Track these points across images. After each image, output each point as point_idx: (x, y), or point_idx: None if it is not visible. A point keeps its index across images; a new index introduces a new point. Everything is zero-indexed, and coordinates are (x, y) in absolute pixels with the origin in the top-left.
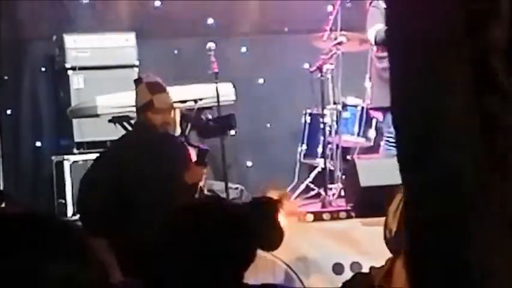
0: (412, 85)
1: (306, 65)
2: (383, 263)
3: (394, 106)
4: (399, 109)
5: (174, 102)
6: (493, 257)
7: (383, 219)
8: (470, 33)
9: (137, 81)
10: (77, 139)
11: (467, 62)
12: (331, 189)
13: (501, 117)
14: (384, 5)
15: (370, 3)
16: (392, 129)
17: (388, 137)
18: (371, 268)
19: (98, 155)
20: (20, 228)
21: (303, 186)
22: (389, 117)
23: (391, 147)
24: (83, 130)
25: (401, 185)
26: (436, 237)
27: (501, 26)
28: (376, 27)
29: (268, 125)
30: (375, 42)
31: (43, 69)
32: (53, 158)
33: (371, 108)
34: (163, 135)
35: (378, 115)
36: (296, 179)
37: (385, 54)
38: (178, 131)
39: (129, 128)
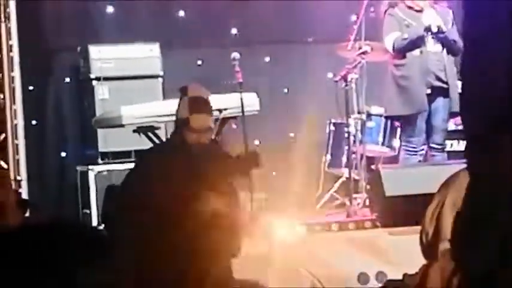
0: None
1: (330, 75)
2: (408, 272)
3: None
4: None
5: None
6: None
7: (408, 228)
8: None
9: (182, 91)
10: (101, 149)
11: None
12: (356, 198)
13: None
14: (400, 13)
15: (386, 11)
16: (410, 138)
17: (407, 146)
18: (404, 275)
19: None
20: (49, 236)
21: (327, 196)
22: (408, 125)
23: (411, 156)
24: (107, 140)
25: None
26: None
27: None
28: (393, 35)
29: (292, 134)
30: (393, 49)
31: (68, 79)
32: (78, 168)
33: (387, 117)
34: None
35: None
36: (321, 189)
37: (403, 61)
38: None
39: (154, 138)
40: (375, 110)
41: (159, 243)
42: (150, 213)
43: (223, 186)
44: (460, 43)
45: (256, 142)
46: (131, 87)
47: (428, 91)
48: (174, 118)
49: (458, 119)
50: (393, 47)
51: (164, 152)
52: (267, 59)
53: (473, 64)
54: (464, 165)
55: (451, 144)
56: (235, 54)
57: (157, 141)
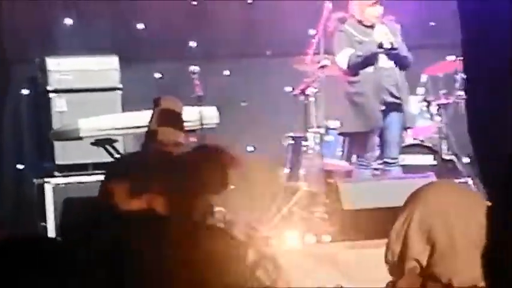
0: None
1: (289, 88)
2: (367, 286)
3: None
4: None
5: None
6: None
7: (366, 242)
8: None
9: (155, 102)
10: (59, 162)
11: None
12: (314, 212)
13: None
14: (350, 29)
15: (336, 28)
16: (364, 153)
17: (362, 160)
18: None
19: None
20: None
21: (285, 209)
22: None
23: (365, 170)
24: (65, 153)
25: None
26: None
27: None
28: (347, 52)
29: (251, 148)
30: (348, 66)
31: (25, 91)
32: (35, 180)
33: (341, 134)
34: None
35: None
36: (279, 202)
37: (356, 78)
38: None
39: (112, 151)
40: (334, 124)
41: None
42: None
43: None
44: (410, 58)
45: None
46: (89, 99)
47: (383, 107)
48: (132, 131)
49: (413, 132)
50: (348, 64)
51: (129, 164)
52: (226, 72)
53: None
54: (423, 179)
55: (404, 159)
56: (194, 68)
57: (115, 154)
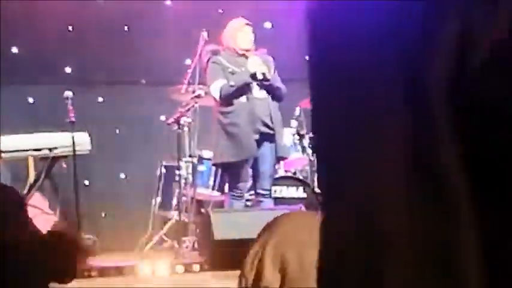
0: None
1: (163, 117)
2: None
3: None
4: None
5: (28, 150)
6: None
7: (236, 272)
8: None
9: None
10: None
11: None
12: (184, 241)
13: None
14: (224, 61)
15: (209, 59)
16: (237, 184)
17: (235, 191)
18: None
19: None
20: None
21: (156, 238)
22: (235, 171)
23: (238, 201)
24: None
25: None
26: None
27: None
28: (219, 83)
29: (123, 176)
30: (220, 97)
31: None
32: None
33: (214, 164)
34: None
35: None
36: (150, 231)
37: (230, 109)
38: (31, 179)
39: None
40: (207, 154)
41: None
42: None
43: None
44: (284, 89)
45: (87, 182)
46: None
47: (257, 137)
48: (4, 155)
49: (286, 165)
50: (220, 95)
51: None
52: (100, 99)
53: None
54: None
55: (275, 191)
56: (68, 93)
57: None
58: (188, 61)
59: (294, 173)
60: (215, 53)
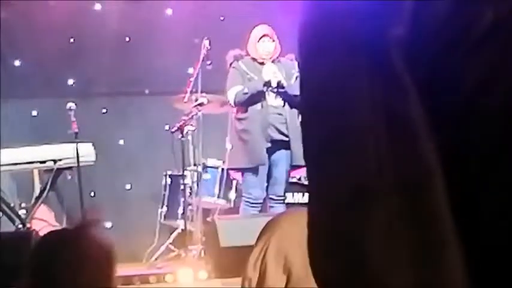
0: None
1: (167, 126)
2: None
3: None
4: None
5: (33, 162)
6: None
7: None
8: None
9: None
10: None
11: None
12: (191, 250)
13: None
14: (243, 67)
15: (231, 64)
16: (251, 190)
17: (248, 198)
18: None
19: None
20: None
21: (163, 248)
22: (248, 177)
23: (250, 207)
24: None
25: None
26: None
27: None
28: (235, 89)
29: (128, 186)
30: (234, 103)
31: None
32: None
33: (230, 169)
34: None
35: (238, 176)
36: (156, 241)
37: (245, 115)
38: (37, 192)
39: None
40: (211, 162)
41: None
42: None
43: None
44: None
45: (92, 194)
46: None
47: (269, 145)
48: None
49: (298, 172)
50: (234, 101)
51: None
52: (104, 110)
53: None
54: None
55: (288, 196)
56: (71, 104)
57: None
58: (191, 70)
59: (299, 179)
60: (237, 58)
